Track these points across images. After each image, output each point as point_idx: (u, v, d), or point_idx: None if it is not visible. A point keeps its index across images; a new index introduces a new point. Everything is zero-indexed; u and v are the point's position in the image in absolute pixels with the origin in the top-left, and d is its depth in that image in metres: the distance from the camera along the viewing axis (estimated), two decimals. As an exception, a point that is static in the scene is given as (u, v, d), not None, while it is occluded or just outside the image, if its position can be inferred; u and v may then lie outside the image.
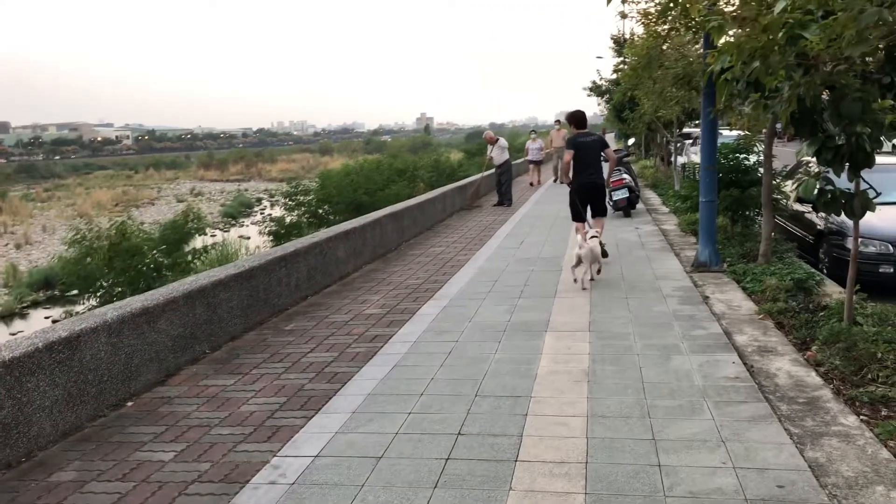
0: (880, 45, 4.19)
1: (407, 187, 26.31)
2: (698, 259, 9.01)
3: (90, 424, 4.82)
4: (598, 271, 8.43)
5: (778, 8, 3.92)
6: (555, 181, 23.39)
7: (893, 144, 6.94)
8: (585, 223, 9.19)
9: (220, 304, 6.55)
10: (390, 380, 5.40)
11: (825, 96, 5.19)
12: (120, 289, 13.62)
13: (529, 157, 24.70)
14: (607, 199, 14.76)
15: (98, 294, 14.07)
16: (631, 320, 6.74)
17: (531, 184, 23.49)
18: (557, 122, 25.65)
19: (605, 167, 9.69)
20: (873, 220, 7.92)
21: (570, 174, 9.33)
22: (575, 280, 8.19)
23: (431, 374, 5.45)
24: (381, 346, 6.26)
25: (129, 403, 5.18)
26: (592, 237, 8.32)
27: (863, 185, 5.61)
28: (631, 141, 33.00)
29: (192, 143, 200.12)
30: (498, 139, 18.62)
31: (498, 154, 17.87)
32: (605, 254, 9.15)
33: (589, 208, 9.42)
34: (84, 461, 4.26)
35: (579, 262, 8.10)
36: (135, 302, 5.58)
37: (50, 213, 49.59)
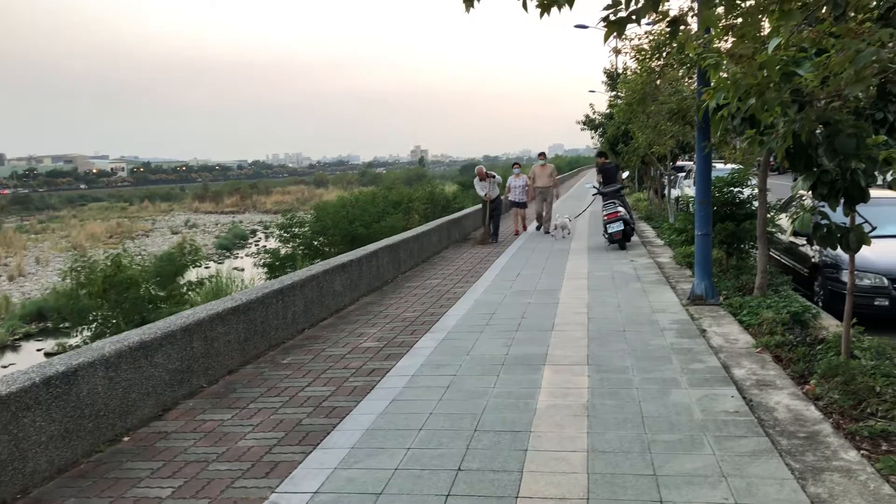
0: (873, 82, 4.25)
1: (402, 219, 26.36)
2: (694, 292, 9.03)
3: (86, 460, 4.78)
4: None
5: (772, 45, 3.98)
6: (538, 229, 18.70)
7: (886, 179, 6.98)
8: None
9: (218, 337, 6.53)
10: (388, 414, 5.37)
11: (820, 132, 5.26)
12: (115, 321, 13.56)
13: (512, 198, 18.78)
14: (603, 232, 14.86)
15: (92, 327, 14.00)
16: (629, 353, 6.73)
17: (515, 232, 18.57)
18: (542, 155, 20.11)
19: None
20: (868, 254, 7.98)
21: None
22: None
23: (430, 409, 5.43)
24: (379, 380, 6.23)
25: (126, 438, 5.14)
26: None
27: (858, 220, 5.66)
28: (625, 174, 33.21)
29: (187, 175, 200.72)
30: (494, 175, 17.46)
31: (492, 189, 17.05)
32: None
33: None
34: (80, 498, 4.21)
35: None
36: (132, 336, 5.56)
37: (44, 244, 49.47)
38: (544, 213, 18.40)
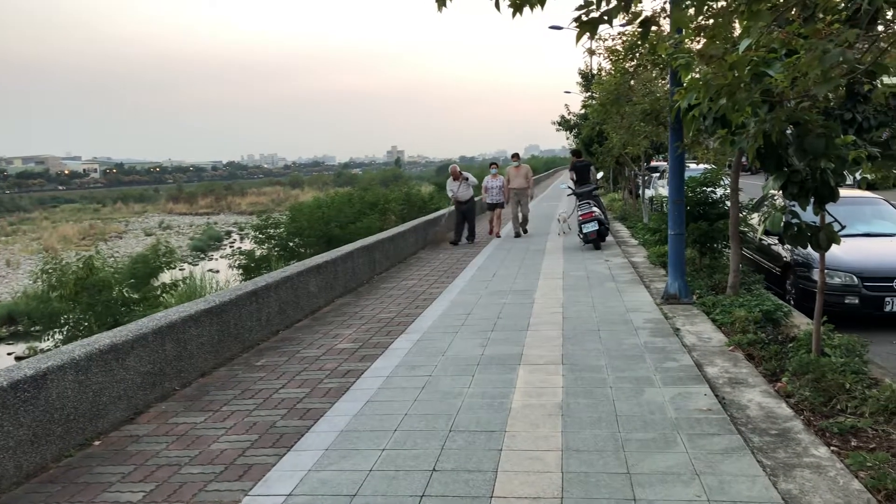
0: (842, 83, 4.30)
1: (378, 220, 26.28)
2: (668, 291, 9.09)
3: (56, 465, 4.71)
4: None
5: (743, 46, 4.01)
6: (518, 235, 17.65)
7: (855, 178, 7.09)
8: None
9: (190, 339, 6.47)
10: (363, 416, 5.35)
11: (790, 132, 5.31)
12: (87, 324, 13.40)
13: (489, 199, 17.70)
14: (578, 232, 14.94)
15: (64, 330, 13.82)
16: (603, 353, 6.76)
17: (491, 232, 17.81)
18: (515, 156, 18.56)
19: None
20: (838, 253, 8.07)
21: None
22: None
23: (405, 410, 5.41)
24: (354, 382, 6.21)
25: (97, 442, 5.07)
26: None
27: (828, 219, 5.73)
28: (599, 174, 33.39)
29: (161, 177, 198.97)
30: (468, 176, 17.02)
31: (465, 190, 16.62)
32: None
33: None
34: (49, 503, 4.15)
35: None
36: (103, 338, 5.49)
37: (14, 247, 48.78)
38: (520, 215, 17.73)
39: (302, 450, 4.76)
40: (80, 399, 5.02)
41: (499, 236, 17.55)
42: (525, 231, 17.83)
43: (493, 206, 17.74)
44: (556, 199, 30.08)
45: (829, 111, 5.47)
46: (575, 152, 19.04)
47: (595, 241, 14.60)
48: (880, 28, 5.11)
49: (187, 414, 5.59)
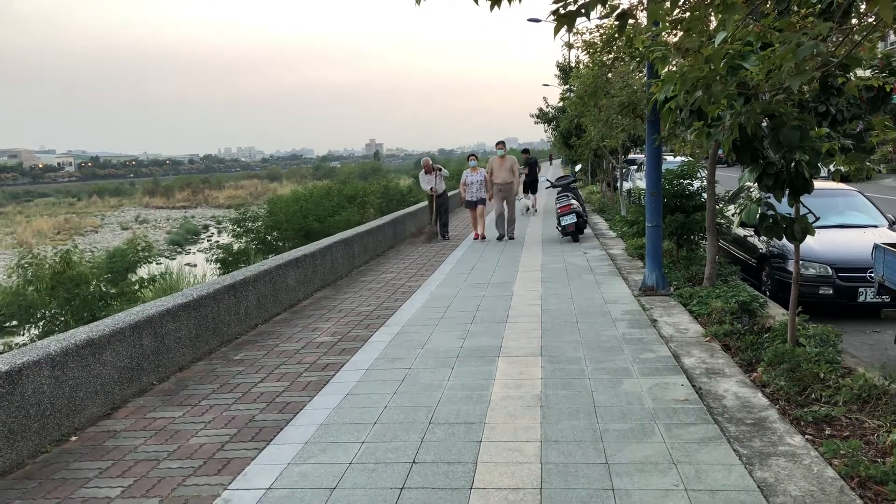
0: (816, 75, 4.35)
1: (357, 213, 26.23)
2: (646, 283, 9.16)
3: (32, 461, 4.67)
4: None
5: (718, 39, 4.04)
6: (500, 238, 15.55)
7: (829, 170, 7.21)
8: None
9: (168, 334, 6.43)
10: (343, 409, 5.34)
11: (765, 124, 5.36)
12: (63, 319, 13.26)
13: (468, 196, 15.78)
14: (556, 225, 15.01)
15: (40, 325, 13.68)
16: (582, 344, 6.80)
17: (476, 235, 15.92)
18: (500, 145, 16.24)
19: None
20: (813, 244, 8.19)
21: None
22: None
23: (385, 403, 5.42)
24: (333, 375, 6.20)
25: (74, 438, 5.03)
26: None
27: (802, 210, 5.80)
28: (578, 167, 33.52)
29: (138, 170, 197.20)
30: (440, 168, 16.49)
31: (438, 183, 16.12)
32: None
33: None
34: (25, 500, 4.11)
35: None
36: (79, 333, 5.44)
37: (-13, 241, 48.15)
38: (506, 215, 15.63)
39: (281, 443, 4.75)
40: (57, 395, 4.98)
41: (483, 238, 15.75)
42: (511, 237, 15.66)
43: (473, 204, 15.78)
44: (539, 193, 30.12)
45: (803, 104, 5.53)
46: (525, 150, 24.41)
47: (573, 233, 14.67)
48: (854, 21, 5.18)
49: (165, 408, 5.55)
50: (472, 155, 16.77)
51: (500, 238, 15.49)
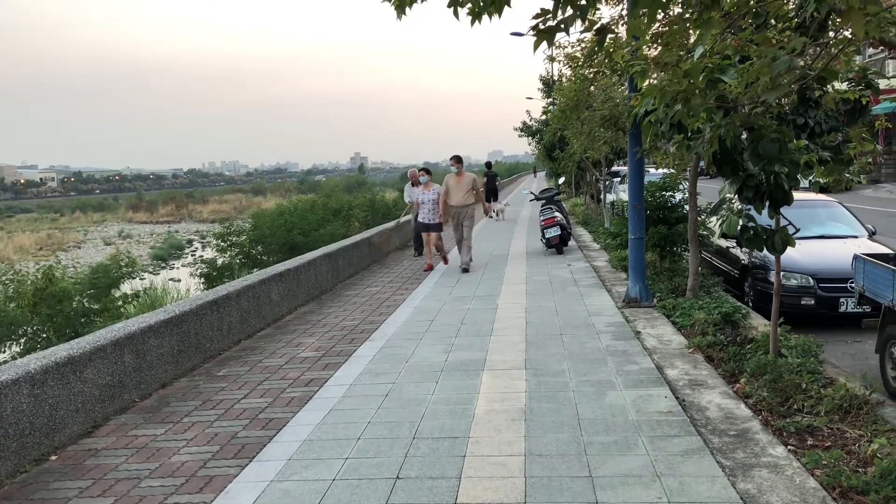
0: (793, 89, 4.40)
1: (342, 227, 26.21)
2: (629, 295, 9.19)
3: (10, 481, 4.61)
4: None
5: (697, 53, 4.08)
6: (466, 270, 12.64)
7: (809, 182, 7.27)
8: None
9: (150, 350, 6.38)
10: (326, 424, 5.32)
11: (745, 137, 5.41)
12: (45, 335, 13.14)
13: (421, 217, 13.21)
14: (540, 237, 15.03)
15: (21, 341, 13.55)
16: (566, 357, 6.81)
17: (428, 267, 13.14)
18: (455, 160, 13.61)
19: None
20: (794, 255, 8.23)
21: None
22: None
23: (368, 418, 5.40)
24: (317, 390, 6.17)
25: (54, 457, 4.97)
26: None
27: (783, 222, 5.84)
28: (561, 179, 33.66)
29: (121, 185, 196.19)
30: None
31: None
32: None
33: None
34: (4, 521, 4.07)
35: None
36: (60, 351, 5.39)
37: (-32, 258, 47.63)
38: (463, 243, 13.02)
39: (264, 460, 4.72)
40: (36, 413, 4.93)
41: (430, 269, 13.09)
42: (466, 269, 12.70)
43: (425, 228, 13.19)
44: (520, 205, 30.24)
45: (782, 116, 5.59)
46: (487, 164, 30.02)
47: (557, 245, 14.70)
48: (830, 35, 5.25)
49: (147, 426, 5.51)
50: (424, 169, 14.19)
51: (464, 270, 12.65)
